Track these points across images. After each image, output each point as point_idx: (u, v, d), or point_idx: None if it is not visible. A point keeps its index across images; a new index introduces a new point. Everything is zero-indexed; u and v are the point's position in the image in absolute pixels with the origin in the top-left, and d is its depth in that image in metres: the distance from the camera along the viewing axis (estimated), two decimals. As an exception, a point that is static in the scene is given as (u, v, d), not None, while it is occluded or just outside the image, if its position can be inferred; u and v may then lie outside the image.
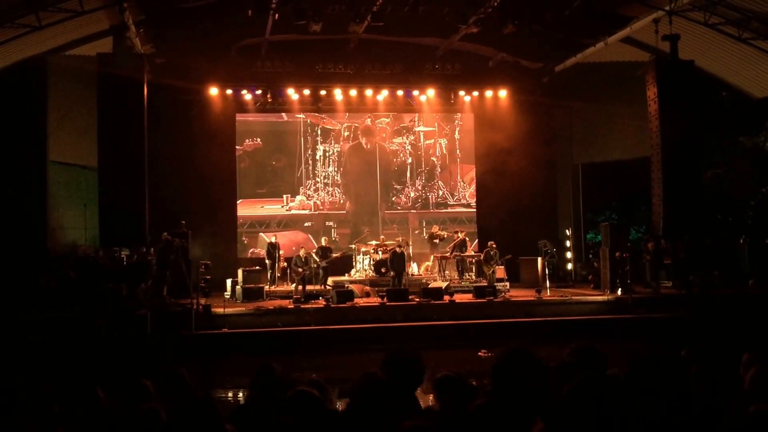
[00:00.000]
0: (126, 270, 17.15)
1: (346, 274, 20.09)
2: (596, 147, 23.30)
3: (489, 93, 22.83)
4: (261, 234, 22.23)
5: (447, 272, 20.18)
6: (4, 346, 12.44)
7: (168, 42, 19.32)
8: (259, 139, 22.79)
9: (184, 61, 20.08)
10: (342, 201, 23.00)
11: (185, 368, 4.46)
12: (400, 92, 22.21)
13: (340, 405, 4.63)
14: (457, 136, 23.75)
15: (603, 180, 23.87)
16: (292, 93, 21.63)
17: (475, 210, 23.63)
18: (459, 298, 17.99)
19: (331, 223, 22.83)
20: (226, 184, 21.97)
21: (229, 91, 21.47)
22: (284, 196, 22.75)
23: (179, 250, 17.78)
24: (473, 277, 20.03)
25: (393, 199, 23.32)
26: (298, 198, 22.80)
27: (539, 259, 20.91)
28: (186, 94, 20.69)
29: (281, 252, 19.99)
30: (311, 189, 22.89)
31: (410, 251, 20.53)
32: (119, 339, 14.19)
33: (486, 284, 18.42)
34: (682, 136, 18.31)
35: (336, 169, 23.04)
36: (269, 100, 21.74)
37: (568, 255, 22.72)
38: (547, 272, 20.20)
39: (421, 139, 23.59)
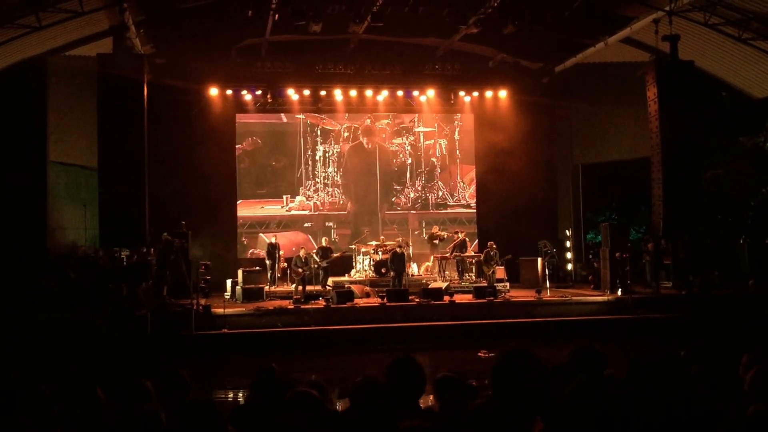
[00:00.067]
0: (126, 270, 17.14)
1: (346, 275, 20.09)
2: (596, 147, 23.30)
3: (489, 93, 22.82)
4: (261, 234, 22.23)
5: (447, 273, 20.18)
6: (4, 346, 12.44)
7: (168, 42, 19.31)
8: (259, 139, 22.78)
9: (184, 61, 20.08)
10: (342, 202, 23.00)
11: (185, 369, 4.46)
12: (400, 93, 22.20)
13: (340, 405, 4.63)
14: (456, 136, 23.75)
15: (603, 180, 23.87)
16: (292, 93, 21.63)
17: (474, 210, 23.63)
18: (459, 298, 17.99)
19: (330, 224, 22.82)
20: (226, 184, 21.96)
21: (229, 92, 21.46)
22: (284, 196, 22.74)
23: (179, 251, 17.79)
24: (473, 277, 20.03)
25: (393, 199, 23.32)
26: (298, 198, 22.79)
27: (539, 260, 20.92)
28: (186, 94, 20.68)
29: (281, 252, 19.98)
30: (311, 189, 22.89)
31: (410, 251, 20.52)
32: (119, 339, 14.19)
33: (486, 285, 18.42)
34: (682, 136, 18.32)
35: (336, 169, 23.03)
36: (269, 101, 21.74)
37: (568, 255, 22.72)
38: (547, 272, 20.20)
39: (421, 140, 23.59)
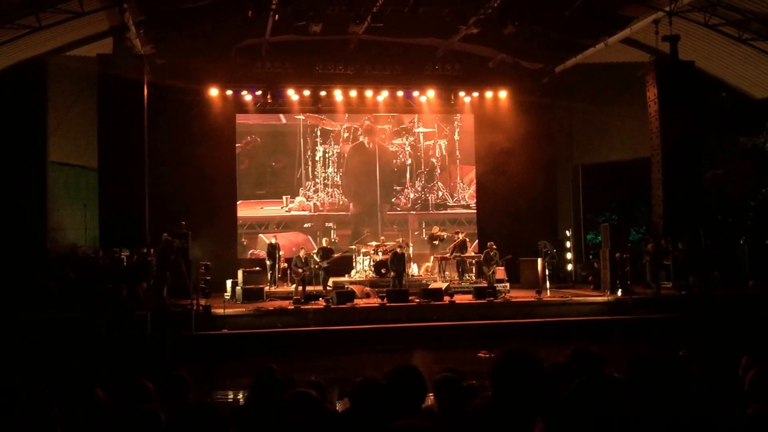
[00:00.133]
0: (126, 270, 17.15)
1: (347, 275, 20.09)
2: (596, 148, 23.30)
3: (489, 94, 22.82)
4: (260, 235, 22.24)
5: (447, 273, 20.18)
6: (4, 346, 12.43)
7: (168, 43, 19.31)
8: (258, 138, 22.76)
9: (184, 61, 20.08)
10: (341, 202, 22.99)
11: (186, 370, 4.46)
12: (400, 93, 22.20)
13: (340, 405, 4.63)
14: (456, 137, 23.75)
15: (603, 181, 23.85)
16: (292, 94, 21.63)
17: (474, 211, 23.63)
18: (459, 298, 17.98)
19: (330, 224, 22.83)
20: (226, 184, 21.97)
21: (229, 92, 21.47)
22: (284, 197, 22.75)
23: (179, 251, 17.79)
24: (473, 277, 20.03)
25: (393, 200, 23.33)
26: (298, 199, 22.79)
27: (539, 260, 20.91)
28: (186, 94, 20.69)
29: (281, 253, 19.98)
30: (311, 190, 22.89)
31: (410, 252, 20.52)
32: (119, 340, 14.19)
33: (486, 285, 18.42)
34: (682, 136, 18.31)
35: (335, 170, 23.03)
36: (269, 101, 21.75)
37: (568, 256, 22.72)
38: (547, 273, 20.20)
39: (421, 140, 23.59)
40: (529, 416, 2.89)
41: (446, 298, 17.51)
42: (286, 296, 18.11)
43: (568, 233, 22.99)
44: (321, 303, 17.27)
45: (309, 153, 22.92)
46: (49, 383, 4.25)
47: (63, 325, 14.35)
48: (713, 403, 3.32)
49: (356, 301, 17.39)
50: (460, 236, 20.59)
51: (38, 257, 18.08)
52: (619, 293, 17.77)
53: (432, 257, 20.80)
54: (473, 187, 23.71)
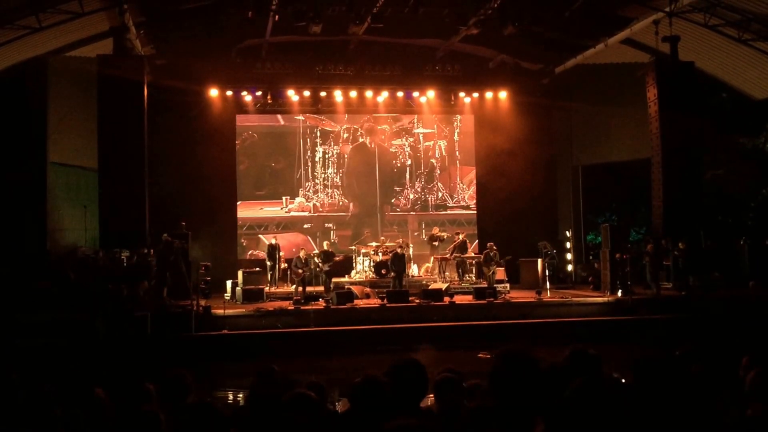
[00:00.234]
0: (126, 271, 17.14)
1: (347, 276, 20.08)
2: (596, 148, 23.30)
3: (489, 94, 22.82)
4: (260, 236, 22.24)
5: (447, 273, 20.17)
6: (4, 347, 12.43)
7: (168, 43, 19.33)
8: (255, 134, 22.74)
9: (184, 62, 20.08)
10: (341, 203, 22.99)
11: (187, 371, 4.45)
12: (400, 94, 22.20)
13: (340, 406, 4.63)
14: (456, 138, 23.75)
15: (603, 181, 23.87)
16: (292, 94, 21.64)
17: (474, 212, 23.63)
18: (459, 299, 17.98)
19: (330, 225, 22.82)
20: (227, 185, 21.97)
21: (229, 93, 21.47)
22: (283, 198, 22.74)
23: (179, 252, 17.78)
24: (473, 278, 20.02)
25: (392, 201, 23.32)
26: (298, 200, 22.79)
27: (539, 261, 20.91)
28: (186, 95, 20.68)
29: (281, 254, 19.97)
30: (310, 191, 22.88)
31: (410, 252, 20.52)
32: (118, 340, 14.18)
33: (486, 285, 18.41)
34: (682, 137, 18.31)
35: (335, 170, 23.03)
36: (269, 102, 21.76)
37: (568, 256, 22.72)
38: (547, 273, 20.20)
39: (421, 141, 23.59)
40: (528, 416, 2.89)
41: (446, 299, 17.51)
42: (286, 297, 18.10)
43: (568, 234, 22.99)
44: (321, 303, 17.28)
45: (309, 154, 22.92)
46: (49, 384, 4.25)
47: (63, 326, 14.34)
48: (713, 404, 3.32)
49: (356, 301, 17.39)
50: (460, 237, 20.58)
51: (38, 258, 18.07)
52: (619, 294, 17.77)
53: (432, 258, 20.79)
54: (473, 188, 23.71)
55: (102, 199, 17.25)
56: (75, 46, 18.74)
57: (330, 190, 22.97)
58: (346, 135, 23.14)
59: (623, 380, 3.72)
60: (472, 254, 20.81)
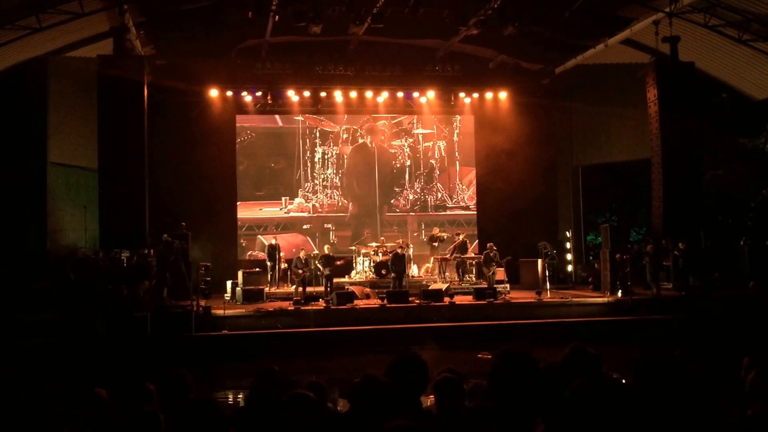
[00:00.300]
0: (126, 271, 17.14)
1: (347, 276, 20.07)
2: (596, 148, 23.30)
3: (489, 95, 22.82)
4: (259, 236, 22.24)
5: (447, 274, 20.17)
6: (4, 347, 12.43)
7: (168, 43, 19.35)
8: (253, 134, 22.73)
9: (185, 62, 20.09)
10: (340, 204, 22.98)
11: (187, 371, 4.45)
12: (400, 94, 22.19)
13: (341, 406, 4.63)
14: (455, 138, 23.74)
15: (603, 182, 23.88)
16: (292, 95, 21.63)
17: (473, 212, 23.62)
18: (459, 299, 17.97)
19: (329, 226, 22.81)
20: (227, 185, 21.96)
21: (229, 93, 21.46)
22: (283, 198, 22.73)
23: (179, 252, 17.78)
24: (473, 278, 20.02)
25: (392, 201, 23.32)
26: (297, 200, 22.78)
27: (539, 261, 20.91)
28: (186, 95, 20.68)
29: (282, 254, 19.97)
30: (310, 191, 22.87)
31: (410, 253, 20.51)
32: (118, 341, 14.18)
33: (486, 286, 18.40)
34: (682, 137, 18.32)
35: (335, 171, 23.02)
36: (269, 102, 21.75)
37: (568, 257, 22.71)
38: (547, 274, 20.20)
39: (420, 142, 23.58)
40: (528, 416, 2.89)
41: (446, 299, 17.50)
42: (286, 297, 18.09)
43: (568, 234, 22.98)
44: (321, 304, 17.28)
45: (308, 154, 22.91)
46: (50, 384, 4.25)
47: (63, 326, 14.34)
48: (713, 404, 3.32)
49: (356, 302, 17.39)
50: (461, 237, 20.59)
51: (38, 258, 18.08)
52: (619, 294, 17.76)
53: (432, 258, 20.79)
54: (472, 189, 23.70)
55: (102, 200, 17.26)
56: (75, 46, 18.76)
57: (329, 191, 22.95)
58: (345, 136, 23.14)
59: (623, 380, 3.72)
60: (472, 255, 20.81)
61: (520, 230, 21.60)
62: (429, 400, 4.40)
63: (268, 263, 19.73)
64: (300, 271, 18.25)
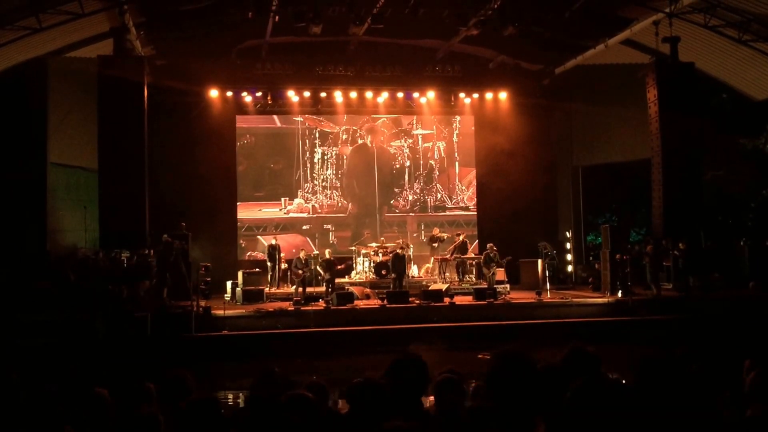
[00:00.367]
0: (126, 272, 17.13)
1: (347, 276, 20.07)
2: (596, 149, 23.30)
3: (489, 95, 22.82)
4: (258, 237, 22.23)
5: (447, 274, 20.16)
6: (4, 347, 12.43)
7: (168, 44, 19.34)
8: (253, 137, 22.72)
9: (185, 63, 20.10)
10: (340, 204, 22.98)
11: (189, 371, 4.45)
12: (400, 94, 22.20)
13: (341, 406, 4.63)
14: (455, 139, 23.73)
15: (603, 182, 23.87)
16: (292, 95, 21.64)
17: (473, 213, 23.62)
18: (459, 300, 17.96)
19: (329, 226, 22.81)
20: (227, 185, 21.96)
21: (229, 93, 21.47)
22: (282, 199, 22.72)
23: (179, 252, 17.77)
24: (473, 279, 20.02)
25: (391, 202, 23.32)
26: (296, 201, 22.77)
27: (539, 261, 20.91)
28: (186, 95, 20.68)
29: (282, 254, 19.96)
30: (309, 192, 22.87)
31: (410, 253, 20.51)
32: (118, 341, 14.17)
33: (486, 286, 18.40)
34: (682, 138, 18.34)
35: (334, 172, 23.01)
36: (269, 102, 21.75)
37: (569, 257, 22.71)
38: (547, 274, 20.20)
39: (419, 143, 23.58)
40: (527, 417, 2.89)
41: (446, 300, 17.49)
42: (287, 297, 18.08)
43: (568, 234, 22.99)
44: (321, 304, 17.27)
45: (307, 155, 22.91)
46: (51, 384, 4.25)
47: (63, 327, 14.34)
48: (714, 404, 3.32)
49: (356, 302, 17.38)
50: (461, 238, 20.59)
51: (38, 258, 18.08)
52: (620, 294, 17.75)
53: (432, 258, 20.79)
54: (472, 189, 23.70)
55: (102, 200, 17.28)
56: (75, 46, 18.76)
57: (329, 192, 22.95)
58: (345, 136, 23.14)
59: (623, 380, 3.72)
60: (472, 255, 20.80)
61: (520, 230, 21.59)
62: (429, 401, 4.40)
63: (269, 263, 19.73)
64: (300, 272, 18.24)
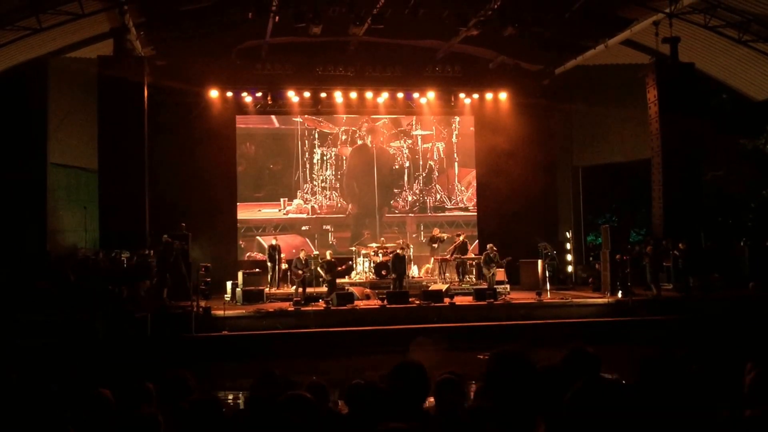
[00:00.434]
0: (126, 272, 17.14)
1: (347, 277, 20.06)
2: (596, 149, 23.31)
3: (489, 95, 22.83)
4: (258, 238, 22.23)
5: (447, 275, 20.16)
6: (4, 348, 12.43)
7: (168, 44, 19.35)
8: (252, 146, 22.71)
9: (185, 63, 20.11)
10: (339, 205, 22.97)
11: (189, 372, 4.45)
12: (400, 95, 22.22)
13: (341, 406, 4.63)
14: (454, 139, 23.73)
15: (603, 182, 23.89)
16: (292, 95, 21.64)
17: (472, 214, 23.62)
18: (459, 300, 17.95)
19: (328, 227, 22.81)
20: (227, 186, 21.97)
21: (229, 94, 21.47)
22: (281, 199, 22.72)
23: (179, 253, 17.77)
24: (473, 279, 20.01)
25: (391, 202, 23.31)
26: (296, 202, 22.77)
27: (539, 262, 20.90)
28: (186, 96, 20.69)
29: (282, 255, 19.96)
30: (308, 193, 22.86)
31: (411, 253, 20.51)
32: (118, 341, 14.17)
33: (486, 287, 18.39)
34: (682, 138, 18.34)
35: (334, 172, 23.00)
36: (269, 103, 21.76)
37: (569, 257, 22.71)
38: (547, 275, 20.19)
39: (419, 143, 23.58)
40: (526, 417, 2.89)
41: (446, 300, 17.48)
42: (286, 298, 18.07)
43: (568, 235, 22.98)
44: (321, 305, 17.26)
45: (307, 156, 22.90)
46: (54, 384, 4.26)
47: (63, 327, 14.34)
48: (714, 404, 3.32)
49: (356, 302, 17.37)
50: (461, 238, 20.59)
51: (38, 259, 18.08)
52: (620, 295, 17.75)
53: (432, 259, 20.79)
54: (471, 190, 23.70)
55: (102, 200, 17.29)
56: (75, 47, 18.77)
57: (328, 192, 22.95)
58: (344, 137, 23.14)
59: (623, 381, 3.72)
60: (473, 255, 20.80)
61: (520, 231, 21.59)
62: (429, 401, 4.40)
63: (269, 264, 19.72)
64: (300, 272, 18.24)
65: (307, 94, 21.66)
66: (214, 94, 21.33)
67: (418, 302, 17.40)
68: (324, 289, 18.43)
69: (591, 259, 22.63)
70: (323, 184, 22.94)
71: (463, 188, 23.77)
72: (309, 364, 13.34)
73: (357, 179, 23.08)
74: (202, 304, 16.28)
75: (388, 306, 17.05)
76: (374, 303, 17.69)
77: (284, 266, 19.77)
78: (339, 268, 18.49)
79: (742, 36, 18.42)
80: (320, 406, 3.91)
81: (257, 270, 19.83)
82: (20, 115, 18.73)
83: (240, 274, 19.26)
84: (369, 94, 21.95)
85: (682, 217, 18.73)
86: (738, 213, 23.38)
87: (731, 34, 18.48)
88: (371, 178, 23.17)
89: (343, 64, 21.38)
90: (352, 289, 18.45)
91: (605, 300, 17.88)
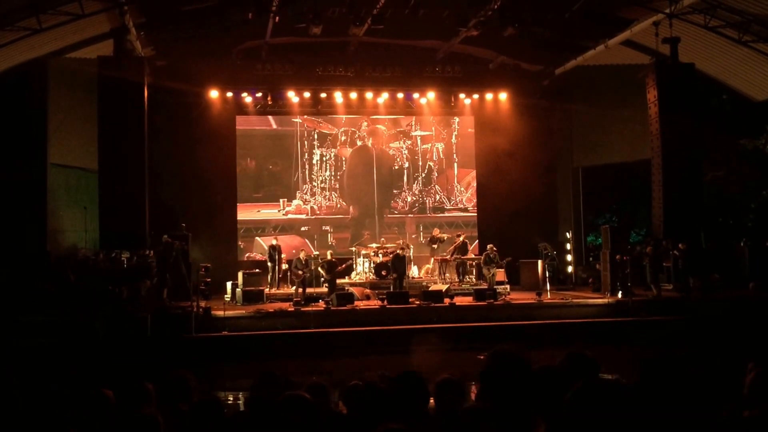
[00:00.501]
0: (126, 272, 17.14)
1: (347, 277, 20.06)
2: (596, 150, 23.31)
3: (489, 96, 22.83)
4: (257, 238, 22.22)
5: (447, 275, 20.16)
6: (4, 348, 12.43)
7: (168, 44, 19.36)
8: (253, 161, 22.71)
9: (185, 63, 20.12)
10: (338, 205, 22.96)
11: (189, 372, 4.44)
12: (400, 95, 22.21)
13: (342, 406, 4.62)
14: (454, 140, 23.72)
15: (603, 183, 23.87)
16: (292, 96, 21.64)
17: (472, 214, 23.61)
18: (459, 300, 17.96)
19: (327, 228, 22.80)
20: (227, 186, 21.96)
21: (229, 94, 21.47)
22: (281, 200, 22.71)
23: (179, 253, 17.77)
24: (473, 279, 20.01)
25: (390, 203, 23.31)
26: (295, 202, 22.75)
27: (539, 262, 20.90)
28: (186, 96, 20.69)
29: (283, 255, 19.96)
30: (308, 193, 22.85)
31: (411, 254, 20.51)
32: (118, 341, 14.17)
33: (486, 287, 18.39)
34: (682, 138, 18.34)
35: (333, 173, 22.99)
36: (269, 103, 21.76)
37: (569, 258, 22.70)
38: (547, 275, 20.19)
39: (419, 144, 23.57)
40: (524, 417, 2.89)
41: (446, 300, 17.49)
42: (286, 298, 18.08)
43: (568, 235, 22.98)
44: (321, 305, 17.26)
45: (306, 156, 22.89)
46: (54, 385, 4.25)
47: (63, 327, 14.34)
48: (714, 404, 3.32)
49: (356, 303, 17.38)
50: (461, 238, 20.59)
51: (38, 259, 18.08)
52: (620, 295, 17.75)
53: (432, 259, 20.79)
54: (471, 191, 23.70)
55: (102, 200, 17.29)
56: (75, 47, 18.77)
57: (328, 193, 22.93)
58: (344, 138, 23.13)
59: (623, 381, 3.72)
60: (472, 256, 20.81)
61: (520, 231, 21.58)
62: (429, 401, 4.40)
63: (269, 264, 19.71)
64: (300, 272, 18.24)
65: (307, 95, 21.66)
66: (214, 94, 21.33)
67: (418, 303, 17.40)
68: (324, 289, 18.42)
69: (591, 259, 22.63)
70: (323, 185, 22.93)
71: (462, 189, 23.76)
72: (309, 365, 13.33)
73: (356, 180, 23.07)
74: (202, 304, 16.28)
75: (388, 306, 17.05)
76: (374, 303, 17.69)
77: (284, 267, 19.77)
78: (339, 268, 18.51)
79: (742, 36, 18.42)
80: (320, 407, 3.91)
81: (257, 270, 19.81)
82: (20, 116, 18.73)
83: (240, 275, 19.25)
84: (369, 95, 21.94)
85: (682, 217, 18.73)
86: (738, 213, 23.37)
87: (731, 34, 18.48)
88: (371, 178, 23.17)
89: (343, 65, 21.37)
90: (352, 289, 18.45)
91: (605, 300, 17.88)
